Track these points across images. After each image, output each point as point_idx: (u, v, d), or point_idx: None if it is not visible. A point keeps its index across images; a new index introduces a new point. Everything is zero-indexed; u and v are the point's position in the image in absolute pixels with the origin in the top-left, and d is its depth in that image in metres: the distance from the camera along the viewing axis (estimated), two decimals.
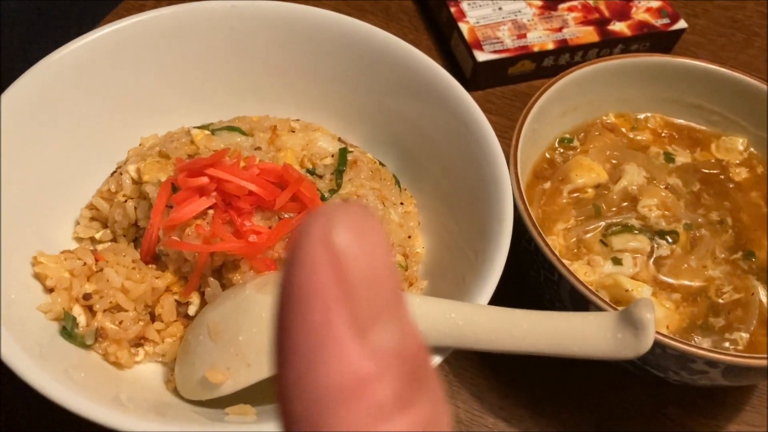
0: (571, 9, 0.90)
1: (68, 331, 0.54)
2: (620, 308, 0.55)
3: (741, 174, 0.70)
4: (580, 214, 0.65)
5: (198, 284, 0.58)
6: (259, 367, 0.50)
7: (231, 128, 0.64)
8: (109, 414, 0.45)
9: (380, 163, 0.69)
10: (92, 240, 0.63)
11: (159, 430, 0.46)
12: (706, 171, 0.70)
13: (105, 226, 0.63)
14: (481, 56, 0.84)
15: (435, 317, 0.48)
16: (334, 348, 0.18)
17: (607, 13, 0.90)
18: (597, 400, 0.64)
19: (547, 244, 0.55)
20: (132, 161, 0.62)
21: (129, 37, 0.65)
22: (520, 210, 0.57)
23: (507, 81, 0.88)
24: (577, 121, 0.71)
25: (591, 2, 0.91)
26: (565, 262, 0.55)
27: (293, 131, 0.66)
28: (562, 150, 0.70)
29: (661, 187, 0.67)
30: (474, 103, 0.64)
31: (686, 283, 0.61)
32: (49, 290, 0.56)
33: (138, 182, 0.61)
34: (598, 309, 0.52)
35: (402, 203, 0.65)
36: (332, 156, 0.64)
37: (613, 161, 0.69)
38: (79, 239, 0.63)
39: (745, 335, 0.59)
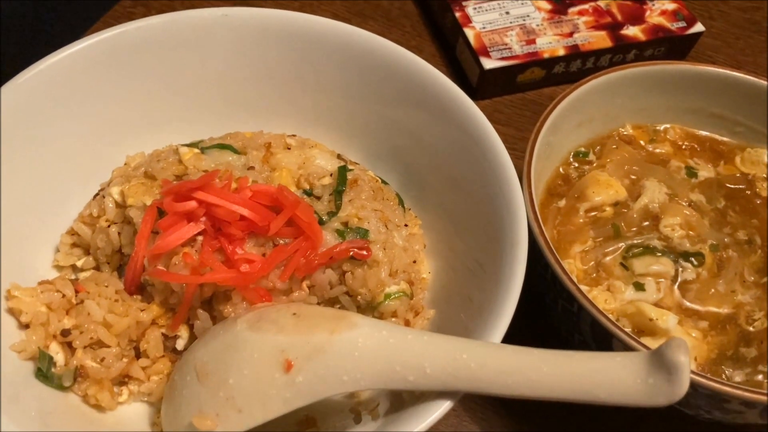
0: (581, 13, 0.85)
1: (44, 372, 0.50)
2: (643, 339, 0.51)
3: None
4: (599, 234, 0.60)
5: (186, 317, 0.54)
6: (251, 414, 0.45)
7: (222, 146, 0.60)
8: None
9: (383, 181, 0.64)
10: (73, 268, 0.59)
11: None
12: (731, 186, 0.65)
13: (87, 252, 0.59)
14: (488, 63, 0.79)
15: (445, 358, 0.44)
16: None
17: (619, 17, 0.85)
18: None
19: (565, 272, 0.50)
20: (116, 183, 0.58)
21: (114, 48, 0.61)
22: (534, 233, 0.53)
23: (516, 89, 0.83)
24: (593, 134, 0.67)
25: (603, 5, 0.86)
26: (583, 288, 0.51)
27: (289, 148, 0.61)
28: (577, 164, 0.66)
29: (684, 204, 0.62)
30: (481, 114, 0.59)
31: (714, 309, 0.57)
32: (24, 326, 0.52)
33: (122, 206, 0.57)
34: (622, 343, 0.48)
35: (406, 225, 0.60)
36: (331, 175, 0.60)
37: (632, 176, 0.64)
38: (59, 267, 0.58)
39: None
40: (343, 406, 0.54)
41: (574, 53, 0.81)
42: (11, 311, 0.52)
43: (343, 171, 0.60)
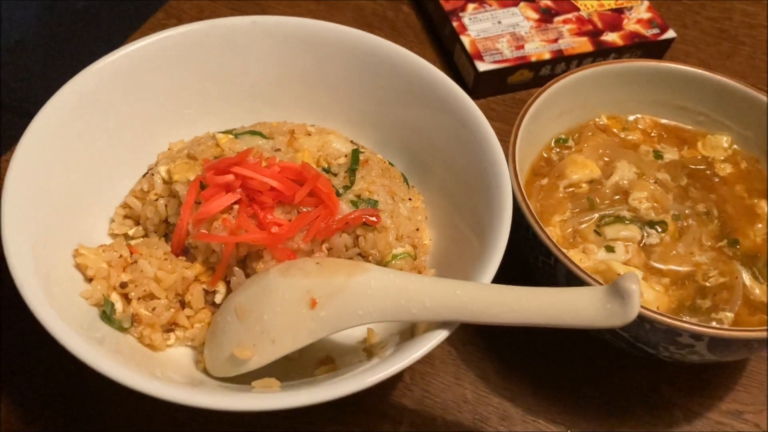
0: (566, 21, 0.96)
1: (107, 315, 0.60)
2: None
3: (726, 169, 0.75)
4: (576, 206, 0.70)
5: (224, 274, 0.63)
6: (283, 343, 0.55)
7: (253, 132, 0.70)
8: (152, 384, 0.50)
9: (390, 164, 0.74)
10: (126, 236, 0.68)
11: (193, 400, 0.50)
12: (693, 167, 0.75)
13: (137, 223, 0.69)
14: (482, 66, 0.89)
15: (442, 294, 0.53)
16: None
17: (600, 25, 0.96)
18: (595, 381, 0.69)
19: (544, 231, 0.60)
20: (162, 163, 0.68)
21: (159, 50, 0.71)
22: (519, 202, 0.62)
23: (507, 89, 0.94)
24: (572, 123, 0.77)
25: (585, 15, 0.97)
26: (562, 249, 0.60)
27: (309, 134, 0.71)
28: (558, 150, 0.75)
29: (651, 181, 0.72)
30: (476, 107, 0.69)
31: (675, 268, 0.66)
32: (89, 279, 0.62)
33: (168, 182, 0.67)
34: None
35: (410, 199, 0.70)
36: (345, 156, 0.70)
37: (606, 159, 0.74)
38: (113, 235, 0.68)
39: (730, 315, 0.63)
40: (357, 348, 0.63)
41: (559, 57, 0.92)
42: (78, 267, 0.62)
43: (356, 153, 0.70)
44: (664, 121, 0.78)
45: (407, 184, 0.73)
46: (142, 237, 0.68)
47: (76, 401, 0.63)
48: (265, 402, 0.50)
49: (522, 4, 0.97)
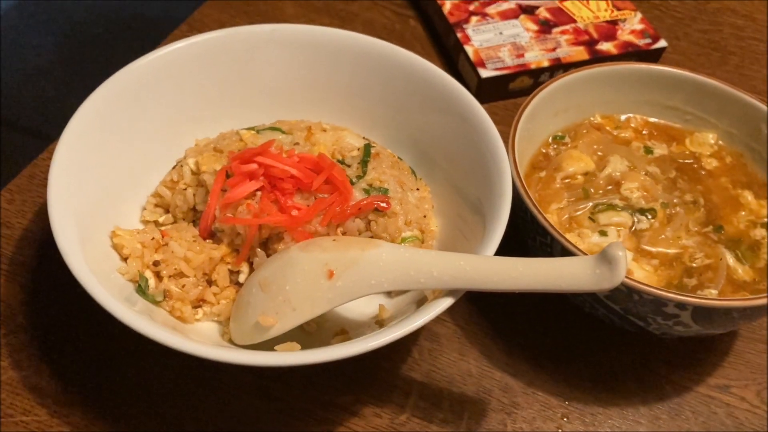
0: (563, 32, 1.02)
1: (142, 288, 0.65)
2: None
3: (712, 163, 0.80)
4: (571, 196, 0.75)
5: (248, 255, 0.69)
6: (303, 311, 0.60)
7: (273, 128, 0.76)
8: (189, 344, 0.55)
9: (399, 158, 0.80)
10: (156, 223, 0.74)
11: (224, 356, 0.55)
12: (681, 161, 0.80)
13: (167, 211, 0.75)
14: (484, 73, 0.96)
15: (447, 265, 0.59)
16: None
17: (595, 35, 1.02)
18: (592, 357, 0.74)
19: (541, 213, 0.65)
20: (191, 156, 0.74)
21: (184, 55, 0.77)
22: (518, 188, 0.68)
23: (508, 95, 1.00)
24: (568, 122, 0.83)
25: (581, 26, 1.03)
26: None
27: (325, 131, 0.78)
28: (555, 146, 0.81)
29: (642, 173, 0.77)
30: (478, 104, 0.75)
31: (663, 250, 0.72)
32: (125, 258, 0.67)
33: (196, 173, 0.73)
34: None
35: (418, 189, 0.76)
36: (358, 149, 0.76)
37: (599, 153, 0.79)
38: (145, 222, 0.74)
39: (715, 291, 0.68)
40: (370, 321, 0.69)
41: (557, 64, 0.98)
42: (115, 247, 0.67)
43: (367, 147, 0.76)
44: (654, 119, 0.84)
45: (415, 176, 0.79)
46: (172, 224, 0.74)
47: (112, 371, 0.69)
48: (286, 359, 0.56)
49: (522, 16, 1.04)
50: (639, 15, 1.06)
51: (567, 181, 0.77)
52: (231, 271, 0.70)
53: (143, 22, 2.20)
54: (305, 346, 0.63)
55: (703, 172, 0.79)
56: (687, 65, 1.08)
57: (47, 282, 0.74)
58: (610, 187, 0.76)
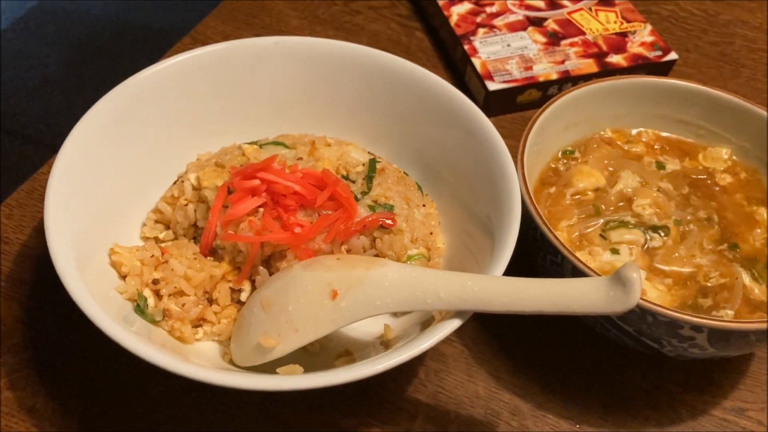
0: (572, 44, 1.00)
1: (141, 308, 0.64)
2: None
3: (726, 179, 0.78)
4: (582, 213, 0.73)
5: (250, 273, 0.67)
6: (306, 332, 0.58)
7: (276, 143, 0.75)
8: (188, 367, 0.53)
9: (404, 173, 0.78)
10: (156, 240, 0.73)
11: (225, 380, 0.53)
12: (695, 177, 0.78)
13: (167, 227, 0.73)
14: (492, 86, 0.94)
15: (455, 286, 0.57)
16: None
17: (605, 48, 1.00)
18: (603, 379, 0.71)
19: (551, 231, 0.64)
20: (192, 171, 0.73)
21: (186, 68, 0.76)
22: (527, 205, 0.66)
23: (516, 108, 0.98)
24: (578, 136, 0.81)
25: (590, 38, 1.01)
26: None
27: (329, 145, 0.76)
28: (565, 161, 0.79)
29: (654, 189, 0.75)
30: (486, 118, 0.73)
31: (677, 269, 0.69)
32: (123, 276, 0.66)
33: (197, 188, 0.71)
34: None
35: (424, 205, 0.74)
36: (363, 165, 0.74)
37: (610, 168, 0.78)
38: (145, 238, 0.72)
39: (731, 312, 0.66)
40: (374, 343, 0.67)
41: (566, 77, 0.96)
42: (113, 264, 0.66)
43: (373, 162, 0.74)
44: (665, 134, 0.82)
45: (421, 191, 0.77)
46: (172, 240, 0.72)
47: (106, 394, 0.67)
48: (287, 383, 0.54)
49: (530, 28, 1.02)
50: (649, 27, 1.04)
51: (577, 197, 0.75)
52: (232, 290, 0.68)
53: (149, 33, 2.20)
54: (308, 367, 0.61)
55: (716, 188, 0.77)
56: (698, 78, 1.06)
57: (46, 300, 0.72)
58: (621, 204, 0.74)
